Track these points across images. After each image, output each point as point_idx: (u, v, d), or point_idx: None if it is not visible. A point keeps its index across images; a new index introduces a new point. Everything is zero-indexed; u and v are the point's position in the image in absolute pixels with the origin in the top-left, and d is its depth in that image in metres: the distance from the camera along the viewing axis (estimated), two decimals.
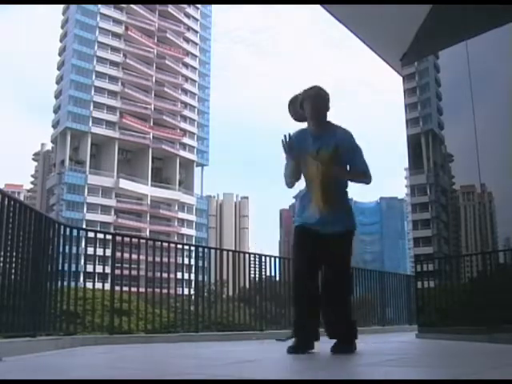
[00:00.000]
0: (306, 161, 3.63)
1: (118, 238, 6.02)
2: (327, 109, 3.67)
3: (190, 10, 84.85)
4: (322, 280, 3.70)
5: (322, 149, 3.59)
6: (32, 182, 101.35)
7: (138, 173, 74.94)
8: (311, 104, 3.61)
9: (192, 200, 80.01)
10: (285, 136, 3.56)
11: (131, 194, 73.42)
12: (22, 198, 42.45)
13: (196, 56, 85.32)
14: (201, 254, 6.95)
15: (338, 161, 3.58)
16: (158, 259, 6.46)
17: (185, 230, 76.78)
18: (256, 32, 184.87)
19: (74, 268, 5.52)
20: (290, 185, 3.75)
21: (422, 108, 7.31)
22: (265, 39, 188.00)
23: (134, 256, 5.92)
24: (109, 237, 5.94)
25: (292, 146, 3.57)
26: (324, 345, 3.71)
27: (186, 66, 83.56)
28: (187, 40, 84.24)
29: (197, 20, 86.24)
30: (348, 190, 3.78)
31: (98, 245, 5.62)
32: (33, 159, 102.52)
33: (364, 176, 3.66)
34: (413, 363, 3.02)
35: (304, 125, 3.77)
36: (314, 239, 3.59)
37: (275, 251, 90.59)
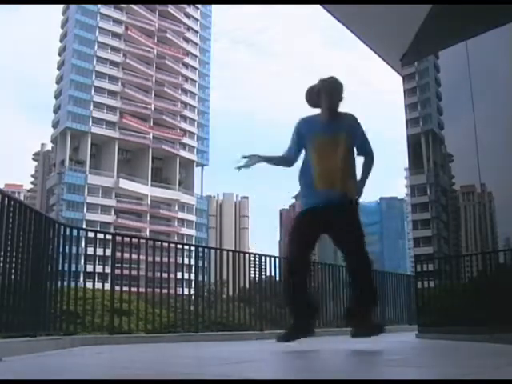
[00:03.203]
0: (314, 144, 3.83)
1: (118, 238, 6.02)
2: (341, 100, 3.89)
3: (189, 9, 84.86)
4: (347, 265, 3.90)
5: (336, 133, 3.80)
6: (32, 182, 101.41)
7: (137, 173, 74.93)
8: (326, 96, 3.84)
9: (192, 200, 79.99)
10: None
11: (131, 193, 73.41)
12: (22, 198, 42.42)
13: (196, 56, 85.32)
14: (201, 254, 6.96)
15: (350, 145, 3.83)
16: (158, 259, 6.46)
17: (185, 230, 76.76)
18: (256, 32, 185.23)
19: (73, 268, 5.52)
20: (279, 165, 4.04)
21: (422, 108, 7.31)
22: (265, 39, 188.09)
23: (134, 256, 5.92)
24: (109, 237, 5.94)
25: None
26: (324, 345, 3.71)
27: (186, 66, 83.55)
28: (187, 40, 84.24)
29: (197, 20, 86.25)
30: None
31: (97, 245, 5.62)
32: (33, 159, 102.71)
33: (371, 163, 3.94)
34: (412, 363, 3.01)
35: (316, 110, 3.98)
36: (318, 222, 3.74)
37: (275, 251, 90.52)
